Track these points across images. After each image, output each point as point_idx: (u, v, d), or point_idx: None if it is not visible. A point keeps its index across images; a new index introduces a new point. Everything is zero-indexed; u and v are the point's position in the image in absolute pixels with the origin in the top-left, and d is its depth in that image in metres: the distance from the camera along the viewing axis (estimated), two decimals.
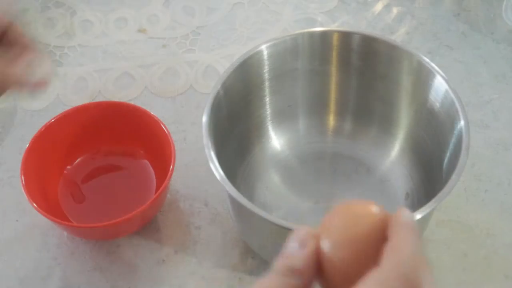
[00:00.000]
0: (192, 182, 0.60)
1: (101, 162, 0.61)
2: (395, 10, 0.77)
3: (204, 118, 0.49)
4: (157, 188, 0.58)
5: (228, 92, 0.52)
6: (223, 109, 0.52)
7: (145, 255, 0.55)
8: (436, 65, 0.52)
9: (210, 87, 0.67)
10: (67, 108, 0.60)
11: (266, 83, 0.56)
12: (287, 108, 0.59)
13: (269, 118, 0.59)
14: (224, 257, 0.55)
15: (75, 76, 0.71)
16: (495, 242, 0.56)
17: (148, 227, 0.57)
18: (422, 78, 0.53)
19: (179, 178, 0.60)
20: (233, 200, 0.47)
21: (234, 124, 0.54)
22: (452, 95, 0.50)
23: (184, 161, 0.61)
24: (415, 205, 0.54)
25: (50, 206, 0.55)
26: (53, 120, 0.57)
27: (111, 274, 0.54)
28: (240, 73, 0.53)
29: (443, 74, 0.51)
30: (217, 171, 0.46)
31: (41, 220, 0.56)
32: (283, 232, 0.44)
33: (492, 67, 0.70)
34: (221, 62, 0.71)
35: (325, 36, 0.55)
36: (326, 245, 0.29)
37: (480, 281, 0.53)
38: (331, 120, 0.61)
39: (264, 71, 0.55)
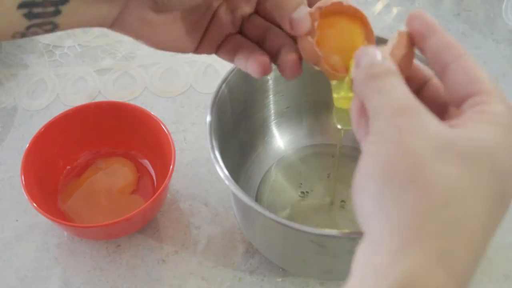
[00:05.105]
0: (192, 182, 0.60)
1: (101, 162, 0.61)
2: (395, 10, 0.77)
3: (208, 118, 0.48)
4: (157, 188, 0.58)
5: (232, 92, 0.52)
6: (227, 109, 0.52)
7: (145, 255, 0.55)
8: None
9: (210, 87, 0.68)
10: (67, 108, 0.60)
11: (269, 83, 0.56)
12: (290, 107, 0.59)
13: (272, 118, 0.59)
14: (224, 257, 0.55)
15: (75, 76, 0.71)
16: (495, 242, 0.55)
17: (148, 227, 0.57)
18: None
19: (179, 178, 0.60)
20: (238, 201, 0.46)
21: (238, 124, 0.54)
22: None
23: (184, 161, 0.61)
24: None
25: (50, 206, 0.55)
26: (53, 120, 0.57)
27: (111, 274, 0.54)
28: (243, 73, 0.53)
29: None
30: (222, 172, 0.45)
31: (41, 220, 0.56)
32: (288, 232, 0.44)
33: (492, 67, 0.70)
34: (221, 62, 0.70)
35: None
36: None
37: (480, 281, 0.53)
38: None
39: None
